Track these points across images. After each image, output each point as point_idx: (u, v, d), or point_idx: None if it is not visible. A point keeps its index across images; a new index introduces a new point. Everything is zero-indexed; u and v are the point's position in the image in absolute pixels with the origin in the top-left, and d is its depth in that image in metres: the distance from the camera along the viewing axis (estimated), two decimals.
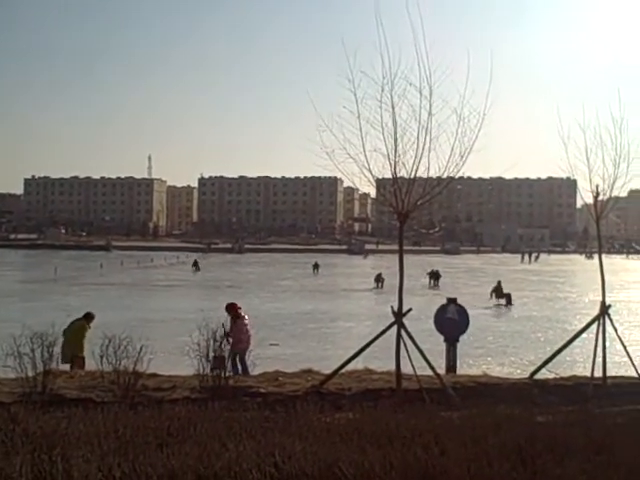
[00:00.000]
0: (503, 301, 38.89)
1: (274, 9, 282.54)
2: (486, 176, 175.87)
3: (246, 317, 14.95)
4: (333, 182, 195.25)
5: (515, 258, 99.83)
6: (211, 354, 11.82)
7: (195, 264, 67.34)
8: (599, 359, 12.82)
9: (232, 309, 14.99)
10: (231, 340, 13.36)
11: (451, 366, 15.20)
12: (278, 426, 8.10)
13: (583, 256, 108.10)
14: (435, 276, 52.79)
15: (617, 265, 77.61)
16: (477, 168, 13.51)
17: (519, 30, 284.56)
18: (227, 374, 11.74)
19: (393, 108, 11.00)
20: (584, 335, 14.04)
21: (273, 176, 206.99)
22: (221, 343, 12.03)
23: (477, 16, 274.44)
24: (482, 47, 13.08)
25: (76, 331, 15.58)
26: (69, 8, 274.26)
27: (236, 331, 14.33)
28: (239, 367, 13.85)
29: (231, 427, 7.88)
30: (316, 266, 66.12)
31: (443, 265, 68.01)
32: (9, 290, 43.40)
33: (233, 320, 14.68)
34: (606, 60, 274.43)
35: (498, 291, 39.68)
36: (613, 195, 13.45)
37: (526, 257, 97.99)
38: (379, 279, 50.02)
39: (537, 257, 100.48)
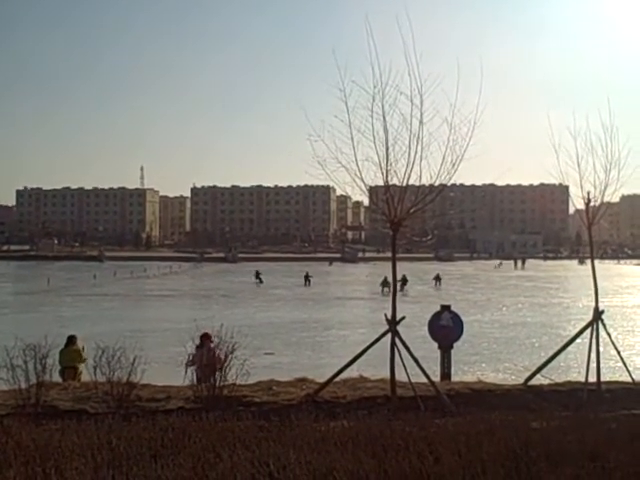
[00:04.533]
0: None
1: (266, 20, 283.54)
2: (479, 183, 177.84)
3: (212, 343, 13.64)
4: (326, 191, 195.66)
5: (508, 264, 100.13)
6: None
7: (257, 276, 63.22)
8: (593, 364, 12.83)
9: (203, 337, 14.36)
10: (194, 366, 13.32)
11: (445, 373, 15.18)
12: (272, 436, 8.07)
13: (576, 262, 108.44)
14: (403, 281, 51.68)
15: (610, 270, 77.93)
16: (469, 175, 13.66)
17: (509, 38, 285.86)
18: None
19: (384, 117, 11.01)
20: (578, 340, 14.06)
21: (266, 185, 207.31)
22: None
23: (467, 25, 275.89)
24: (472, 56, 13.10)
25: (75, 358, 15.26)
26: (64, 19, 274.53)
27: (202, 354, 13.57)
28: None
29: (225, 437, 7.85)
30: (307, 277, 61.54)
31: (436, 272, 68.07)
32: (1, 301, 43.27)
33: (202, 343, 14.12)
34: (596, 67, 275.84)
35: None
36: (605, 201, 13.50)
37: (519, 263, 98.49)
38: (386, 284, 47.62)
39: (523, 262, 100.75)
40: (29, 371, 10.80)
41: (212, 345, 13.42)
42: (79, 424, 8.77)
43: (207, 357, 13.07)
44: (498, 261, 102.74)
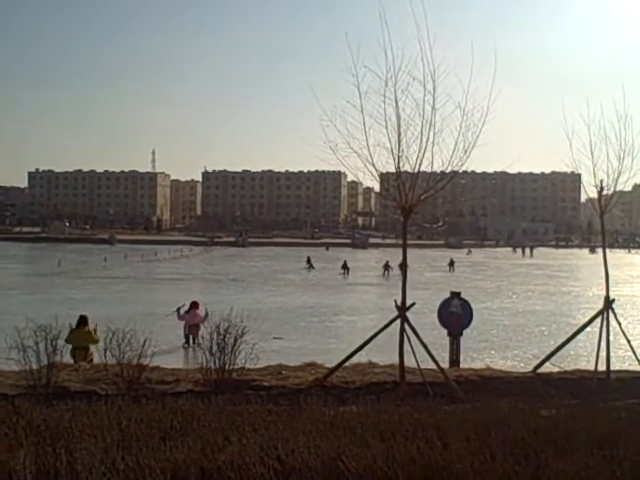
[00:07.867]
0: None
1: (278, 4, 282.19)
2: (490, 170, 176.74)
3: (198, 310, 20.28)
4: (337, 176, 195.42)
5: (517, 252, 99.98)
6: (214, 347, 11.83)
7: (309, 261, 62.36)
8: (603, 353, 12.80)
9: (192, 304, 20.90)
10: (184, 320, 20.49)
11: (454, 360, 15.19)
12: (281, 419, 8.10)
13: (587, 250, 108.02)
14: (387, 267, 55.04)
15: (621, 259, 77.57)
16: (481, 162, 13.50)
17: (523, 25, 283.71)
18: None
19: (397, 102, 11.00)
20: (588, 329, 14.02)
21: (277, 170, 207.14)
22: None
23: (481, 11, 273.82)
24: (486, 42, 13.01)
25: (87, 339, 15.37)
26: (71, 4, 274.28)
27: (188, 317, 20.41)
28: (190, 342, 19.79)
29: (234, 420, 7.88)
30: (345, 266, 57.01)
31: (446, 259, 67.96)
32: (13, 283, 43.50)
33: (191, 308, 20.72)
34: (610, 54, 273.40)
35: None
36: (617, 189, 13.42)
37: (527, 251, 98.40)
38: (387, 267, 53.82)
39: (532, 250, 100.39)
40: (40, 352, 10.86)
41: (197, 311, 20.29)
42: (89, 405, 8.82)
43: (193, 319, 19.91)
44: (466, 249, 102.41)
